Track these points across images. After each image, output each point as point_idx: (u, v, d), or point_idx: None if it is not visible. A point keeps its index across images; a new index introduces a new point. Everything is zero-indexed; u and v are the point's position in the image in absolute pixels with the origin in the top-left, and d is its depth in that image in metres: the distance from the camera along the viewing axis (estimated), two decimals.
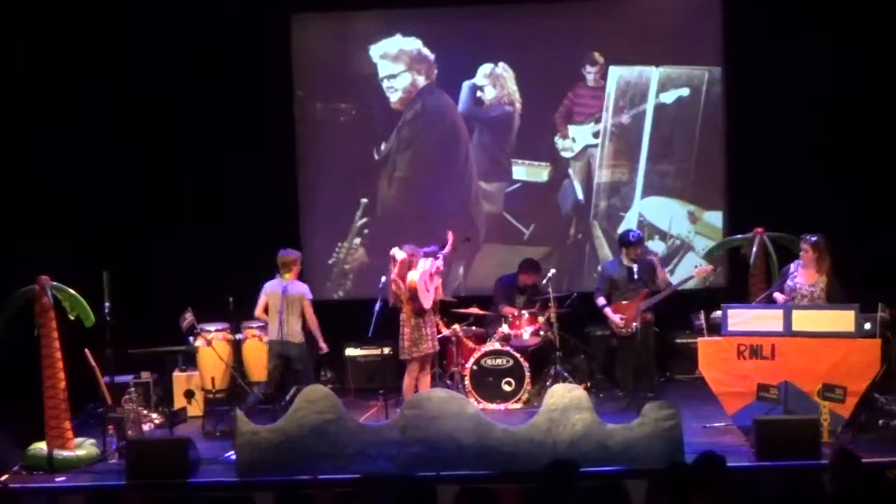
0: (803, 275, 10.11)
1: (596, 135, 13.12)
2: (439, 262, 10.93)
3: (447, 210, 13.13)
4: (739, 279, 11.55)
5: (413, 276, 10.48)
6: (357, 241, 13.23)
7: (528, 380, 11.35)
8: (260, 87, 12.64)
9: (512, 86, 13.13)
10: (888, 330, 9.78)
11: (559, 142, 13.15)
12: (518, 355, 11.39)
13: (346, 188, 13.21)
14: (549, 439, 9.05)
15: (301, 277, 12.57)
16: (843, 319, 9.58)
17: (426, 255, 10.80)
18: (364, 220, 13.23)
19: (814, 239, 10.06)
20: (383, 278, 10.93)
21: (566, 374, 11.43)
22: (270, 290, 10.87)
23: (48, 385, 9.78)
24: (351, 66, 13.18)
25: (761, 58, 12.41)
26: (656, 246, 13.03)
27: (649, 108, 13.05)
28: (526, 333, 11.59)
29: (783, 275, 10.29)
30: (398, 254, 10.64)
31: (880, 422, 9.89)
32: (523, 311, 11.66)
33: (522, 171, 13.21)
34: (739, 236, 11.46)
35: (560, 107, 13.09)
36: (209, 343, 10.85)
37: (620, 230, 12.20)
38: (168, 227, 12.57)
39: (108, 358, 10.29)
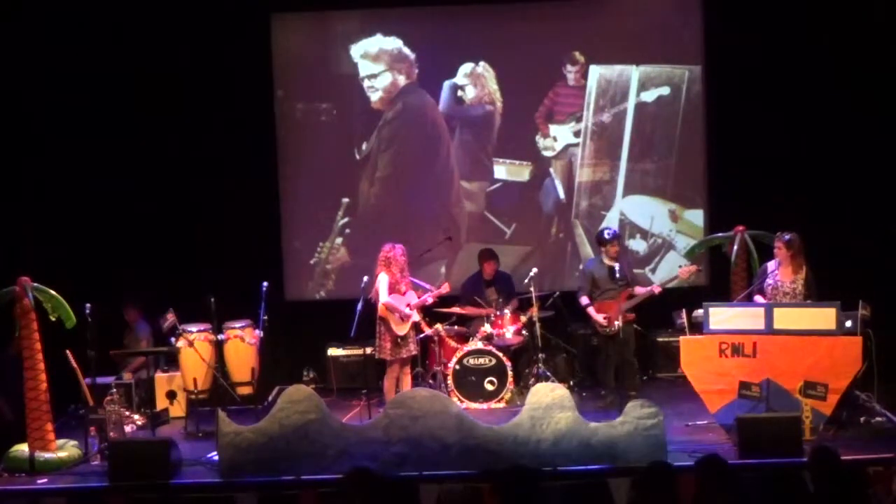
0: (783, 272, 10.15)
1: (577, 134, 13.13)
2: (427, 297, 11.04)
3: (429, 209, 13.14)
4: (721, 277, 11.57)
5: (383, 309, 10.74)
6: (339, 240, 13.21)
7: (510, 379, 11.33)
8: (240, 87, 12.61)
9: (492, 85, 13.13)
10: (869, 327, 9.81)
11: (540, 141, 13.16)
12: (500, 354, 11.38)
13: (328, 188, 13.18)
14: (533, 438, 9.05)
15: (282, 277, 12.70)
16: (824, 317, 9.60)
17: (416, 286, 11.10)
18: (345, 219, 13.21)
19: (787, 237, 10.10)
20: (365, 278, 10.93)
21: (548, 373, 11.44)
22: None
23: (29, 387, 9.72)
24: (331, 66, 13.14)
25: (741, 56, 12.44)
26: (637, 245, 13.06)
27: (630, 106, 13.07)
28: (508, 332, 11.58)
29: (762, 273, 10.32)
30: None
31: (861, 419, 9.93)
32: (506, 311, 11.66)
33: (504, 171, 13.22)
34: (720, 234, 11.50)
35: (541, 106, 13.09)
36: (191, 344, 10.81)
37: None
38: (149, 228, 12.53)
39: (89, 359, 10.28)
